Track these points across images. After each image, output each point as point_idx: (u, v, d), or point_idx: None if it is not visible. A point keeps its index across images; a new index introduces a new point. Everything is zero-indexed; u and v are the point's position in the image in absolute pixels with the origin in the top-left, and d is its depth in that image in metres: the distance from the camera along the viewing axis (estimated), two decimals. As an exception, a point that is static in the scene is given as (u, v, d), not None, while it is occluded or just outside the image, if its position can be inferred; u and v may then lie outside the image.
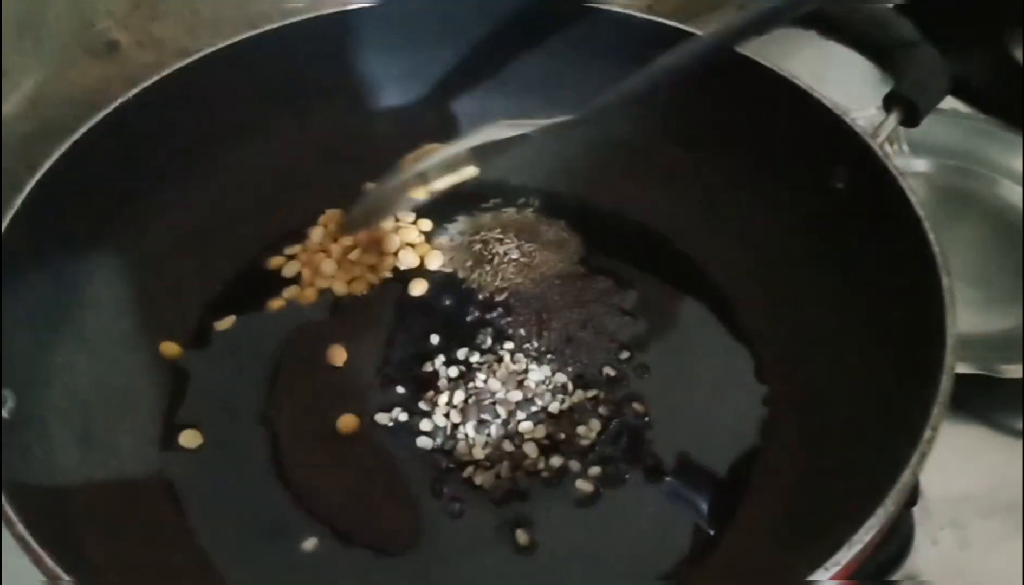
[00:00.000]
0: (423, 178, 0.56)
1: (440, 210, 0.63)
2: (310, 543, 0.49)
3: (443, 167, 0.56)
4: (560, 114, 0.55)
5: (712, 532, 0.49)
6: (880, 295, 0.51)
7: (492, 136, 0.55)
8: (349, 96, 0.65)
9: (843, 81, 0.65)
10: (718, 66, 0.58)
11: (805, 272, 0.56)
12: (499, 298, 0.59)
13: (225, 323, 0.58)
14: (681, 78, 0.51)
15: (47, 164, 0.53)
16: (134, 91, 0.57)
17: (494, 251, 0.61)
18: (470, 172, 0.56)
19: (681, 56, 0.51)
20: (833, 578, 0.38)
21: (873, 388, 0.49)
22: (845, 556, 0.37)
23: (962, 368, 0.57)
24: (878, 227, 0.52)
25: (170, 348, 0.56)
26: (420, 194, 0.57)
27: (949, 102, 0.73)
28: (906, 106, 0.56)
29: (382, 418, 0.54)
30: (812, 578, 0.37)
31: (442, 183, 0.56)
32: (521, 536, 0.49)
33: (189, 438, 0.53)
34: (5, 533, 0.40)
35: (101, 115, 0.56)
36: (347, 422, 0.53)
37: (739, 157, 0.60)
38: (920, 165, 0.73)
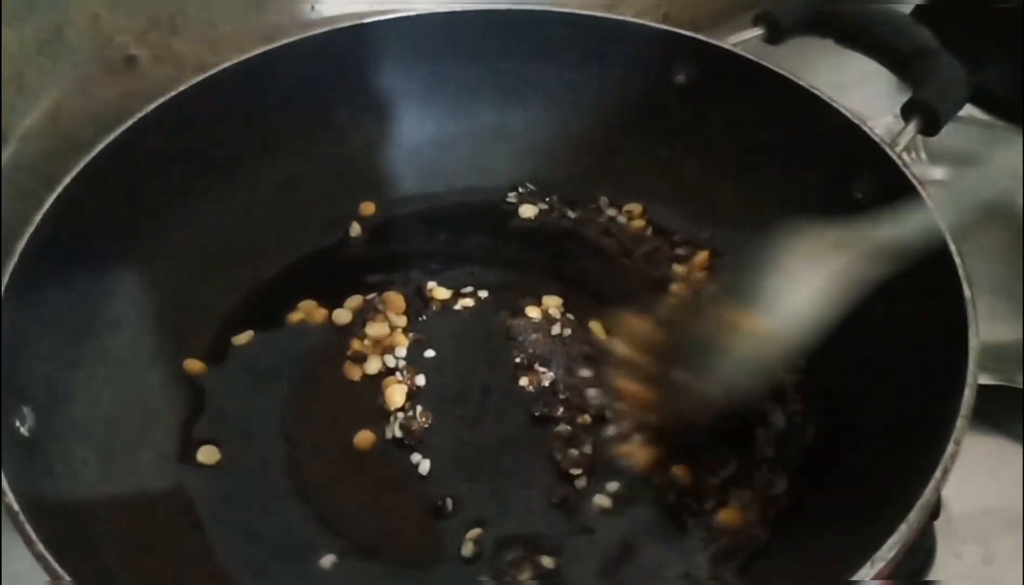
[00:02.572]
0: None
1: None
2: (328, 559, 0.49)
3: None
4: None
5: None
6: (900, 307, 0.50)
7: None
8: (368, 109, 0.65)
9: (860, 91, 0.65)
10: (738, 78, 0.59)
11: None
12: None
13: (243, 338, 0.58)
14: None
15: (66, 180, 0.53)
16: (152, 106, 0.57)
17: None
18: None
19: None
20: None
21: (892, 402, 0.48)
22: (868, 573, 0.37)
23: (984, 379, 0.56)
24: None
25: (194, 365, 0.56)
26: None
27: (967, 109, 0.72)
28: (926, 114, 0.55)
29: (399, 434, 0.54)
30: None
31: None
32: (546, 561, 0.48)
33: (207, 454, 0.53)
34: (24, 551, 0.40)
35: (119, 131, 0.56)
36: (364, 438, 0.53)
37: (758, 167, 0.60)
38: (939, 173, 0.72)
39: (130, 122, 0.56)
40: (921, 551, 0.53)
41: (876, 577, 0.37)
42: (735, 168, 0.61)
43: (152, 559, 0.47)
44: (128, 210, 0.57)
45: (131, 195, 0.57)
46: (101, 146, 0.55)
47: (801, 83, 0.57)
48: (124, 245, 0.57)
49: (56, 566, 0.38)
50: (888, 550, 0.37)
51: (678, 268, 0.61)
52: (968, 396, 0.42)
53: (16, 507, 0.40)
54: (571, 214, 0.64)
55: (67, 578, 0.38)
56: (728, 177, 0.62)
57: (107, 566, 0.45)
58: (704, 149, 0.62)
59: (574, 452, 0.52)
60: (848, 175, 0.55)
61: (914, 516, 0.38)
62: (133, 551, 0.47)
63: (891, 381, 0.49)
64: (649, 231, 0.63)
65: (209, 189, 0.61)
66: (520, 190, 0.65)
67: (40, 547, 0.39)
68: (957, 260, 0.47)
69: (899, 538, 0.38)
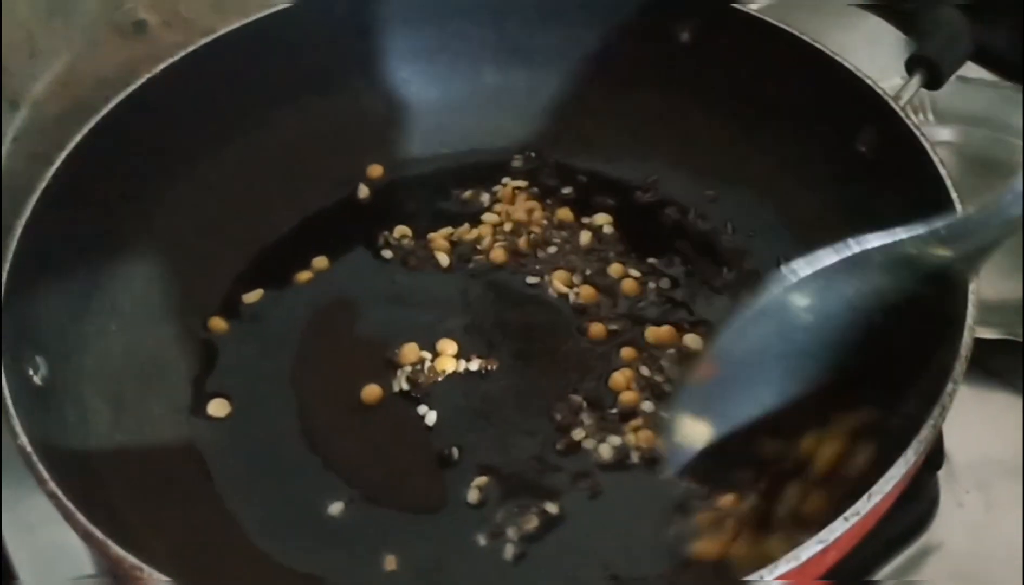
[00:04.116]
0: None
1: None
2: (336, 507, 0.49)
3: None
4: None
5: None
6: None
7: None
8: (373, 71, 0.65)
9: (866, 52, 0.65)
10: (743, 35, 0.59)
11: (828, 237, 0.56)
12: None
13: (253, 296, 0.59)
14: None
15: (76, 138, 0.54)
16: (159, 68, 0.58)
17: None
18: None
19: None
20: (853, 532, 0.38)
21: (895, 350, 0.49)
22: (865, 506, 0.37)
23: (988, 333, 0.56)
24: (902, 187, 0.52)
25: (218, 323, 0.57)
26: None
27: (975, 70, 0.73)
28: (929, 67, 0.56)
29: (406, 387, 0.54)
30: (831, 528, 0.37)
31: None
32: (549, 507, 0.49)
33: (218, 407, 0.54)
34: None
35: (128, 91, 0.57)
36: (371, 392, 0.54)
37: (762, 124, 0.60)
38: (946, 134, 0.72)
39: (138, 83, 0.57)
40: (924, 501, 0.53)
41: (873, 512, 0.38)
42: (740, 126, 0.61)
43: (162, 506, 0.48)
44: (136, 170, 0.58)
45: (139, 155, 0.58)
46: (110, 106, 0.56)
47: (805, 38, 0.57)
48: (132, 204, 0.58)
49: (67, 503, 0.39)
50: (886, 483, 0.38)
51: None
52: (967, 337, 0.42)
53: (29, 447, 0.41)
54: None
55: (79, 516, 0.39)
56: (733, 135, 0.62)
57: (117, 512, 0.46)
58: (708, 107, 0.62)
59: (582, 418, 0.53)
60: (852, 129, 0.56)
61: (912, 451, 0.39)
62: (143, 498, 0.48)
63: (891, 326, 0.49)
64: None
65: (216, 149, 0.62)
66: (526, 153, 0.65)
67: (52, 486, 0.40)
68: (958, 206, 0.47)
69: (897, 472, 0.38)
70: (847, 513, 0.37)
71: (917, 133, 0.51)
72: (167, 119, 0.59)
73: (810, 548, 0.36)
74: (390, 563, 0.47)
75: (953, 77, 0.59)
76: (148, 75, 0.57)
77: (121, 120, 0.56)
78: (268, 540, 0.48)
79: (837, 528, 0.37)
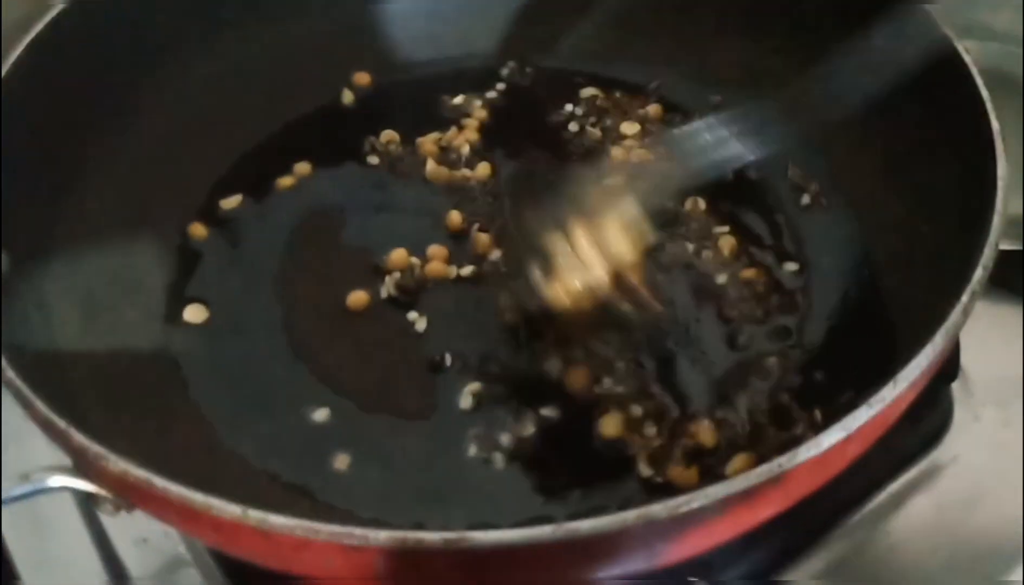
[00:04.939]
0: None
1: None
2: (321, 413, 0.47)
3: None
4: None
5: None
6: (929, 155, 0.48)
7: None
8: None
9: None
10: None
11: (850, 139, 0.54)
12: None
13: (231, 202, 0.56)
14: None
15: (37, 28, 0.50)
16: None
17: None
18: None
19: None
20: (876, 421, 0.35)
21: (923, 246, 0.47)
22: (891, 393, 0.35)
23: (1007, 245, 0.54)
24: (923, 88, 0.49)
25: (196, 230, 0.54)
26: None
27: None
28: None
29: (395, 293, 0.51)
30: (855, 415, 0.34)
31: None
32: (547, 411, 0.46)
33: (194, 313, 0.51)
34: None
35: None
36: (357, 298, 0.51)
37: (771, 23, 0.57)
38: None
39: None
40: (938, 413, 0.51)
41: (898, 401, 0.35)
42: (747, 27, 0.58)
43: (135, 413, 0.45)
44: (106, 68, 0.54)
45: (109, 52, 0.54)
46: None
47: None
48: (103, 104, 0.54)
49: (26, 391, 0.36)
50: (912, 369, 0.35)
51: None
52: (997, 221, 0.39)
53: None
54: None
55: (39, 404, 0.36)
56: (740, 38, 0.59)
57: (86, 415, 0.43)
58: (714, 8, 0.59)
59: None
60: (868, 27, 0.52)
61: (940, 337, 0.36)
62: (114, 404, 0.45)
63: (918, 227, 0.48)
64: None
65: (195, 52, 0.58)
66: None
67: (10, 373, 0.37)
68: (985, 93, 0.45)
69: (924, 359, 0.35)
70: (872, 400, 0.34)
71: (937, 22, 0.48)
72: (140, 14, 0.55)
73: (833, 435, 0.33)
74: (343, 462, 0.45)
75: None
76: (118, -37, 0.54)
77: (90, 13, 0.52)
78: (247, 447, 0.45)
79: (861, 416, 0.34)
